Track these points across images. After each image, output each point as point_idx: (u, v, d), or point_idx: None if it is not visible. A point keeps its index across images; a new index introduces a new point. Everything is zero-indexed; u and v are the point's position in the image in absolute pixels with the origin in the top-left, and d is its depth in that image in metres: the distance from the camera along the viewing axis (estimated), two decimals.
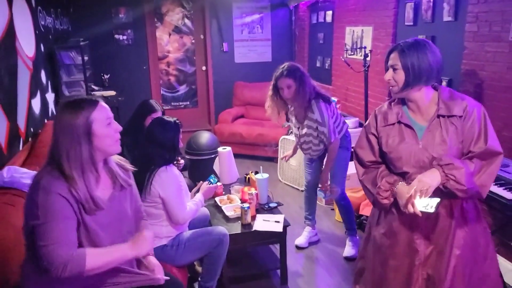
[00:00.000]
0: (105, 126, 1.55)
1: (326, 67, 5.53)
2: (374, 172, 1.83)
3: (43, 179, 1.47)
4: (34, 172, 2.21)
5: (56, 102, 4.22)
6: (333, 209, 3.93)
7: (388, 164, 1.82)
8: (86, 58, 4.60)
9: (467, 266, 1.76)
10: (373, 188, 1.81)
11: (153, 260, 1.79)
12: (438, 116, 1.70)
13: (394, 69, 1.72)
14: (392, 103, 1.84)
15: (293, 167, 4.61)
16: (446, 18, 3.26)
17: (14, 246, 1.73)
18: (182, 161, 2.84)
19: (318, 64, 5.80)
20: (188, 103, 6.47)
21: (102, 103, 1.59)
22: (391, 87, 1.76)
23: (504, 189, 2.28)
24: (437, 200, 1.63)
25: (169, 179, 2.28)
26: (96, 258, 1.47)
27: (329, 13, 5.31)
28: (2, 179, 2.13)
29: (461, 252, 1.73)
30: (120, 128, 1.62)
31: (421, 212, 1.64)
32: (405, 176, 1.75)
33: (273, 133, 5.26)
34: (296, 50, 6.44)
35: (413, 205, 1.63)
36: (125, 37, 5.75)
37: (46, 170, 1.50)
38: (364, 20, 4.48)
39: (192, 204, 2.44)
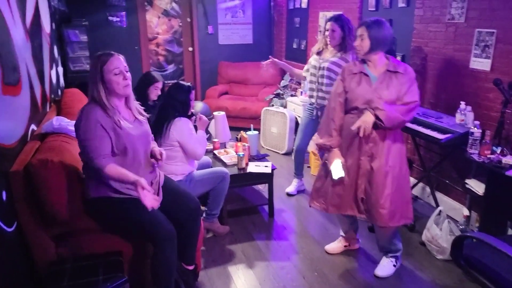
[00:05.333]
0: (112, 74, 2.13)
1: (302, 48, 6.19)
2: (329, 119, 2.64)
3: (84, 109, 2.15)
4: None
5: (65, 76, 4.73)
6: (309, 167, 4.64)
7: (347, 103, 2.57)
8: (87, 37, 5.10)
9: (394, 179, 2.53)
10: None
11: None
12: (387, 71, 2.47)
13: (362, 38, 2.44)
14: (357, 62, 2.59)
15: (274, 134, 5.30)
16: (401, 4, 3.98)
17: (72, 163, 2.28)
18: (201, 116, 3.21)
19: (294, 46, 6.46)
20: (176, 81, 7.01)
21: (115, 58, 2.15)
22: (358, 51, 2.50)
23: (437, 133, 3.04)
24: (339, 163, 2.55)
25: (183, 126, 2.92)
26: (112, 171, 2.09)
27: None
28: (52, 126, 2.70)
29: (390, 169, 2.51)
30: (127, 78, 2.19)
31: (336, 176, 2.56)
32: (357, 110, 2.52)
33: (255, 106, 5.92)
34: (275, 33, 7.08)
35: (364, 131, 2.43)
36: (118, 19, 6.24)
37: (87, 104, 2.18)
38: (335, 6, 5.14)
39: (201, 141, 3.04)
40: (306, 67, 3.79)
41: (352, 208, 2.64)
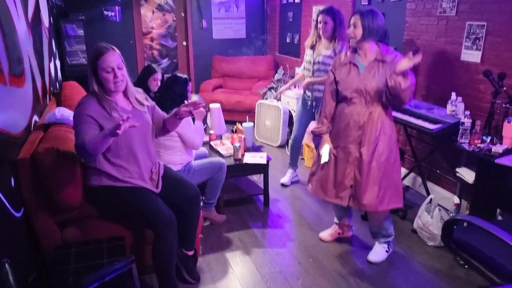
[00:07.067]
0: (104, 72, 2.17)
1: (295, 42, 6.27)
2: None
3: (80, 100, 2.23)
4: None
5: (62, 69, 4.76)
6: (303, 159, 4.74)
7: (339, 93, 2.67)
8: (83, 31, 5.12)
9: (382, 166, 2.61)
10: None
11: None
12: (375, 60, 2.55)
13: (355, 26, 2.53)
14: (348, 52, 2.68)
15: (268, 127, 5.38)
16: None
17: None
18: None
19: (288, 40, 6.53)
20: (170, 75, 7.05)
21: (110, 54, 2.17)
22: (351, 39, 2.58)
23: (429, 123, 3.14)
24: (327, 149, 2.70)
25: None
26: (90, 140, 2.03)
27: None
28: (55, 116, 2.75)
29: (379, 156, 2.60)
30: (118, 76, 2.20)
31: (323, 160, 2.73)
32: (346, 99, 2.62)
33: (249, 100, 5.99)
34: (268, 28, 7.14)
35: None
36: (113, 13, 6.26)
37: (84, 96, 2.26)
38: (328, 0, 5.22)
39: (199, 131, 3.12)
40: (302, 65, 3.91)
41: (335, 196, 2.73)
